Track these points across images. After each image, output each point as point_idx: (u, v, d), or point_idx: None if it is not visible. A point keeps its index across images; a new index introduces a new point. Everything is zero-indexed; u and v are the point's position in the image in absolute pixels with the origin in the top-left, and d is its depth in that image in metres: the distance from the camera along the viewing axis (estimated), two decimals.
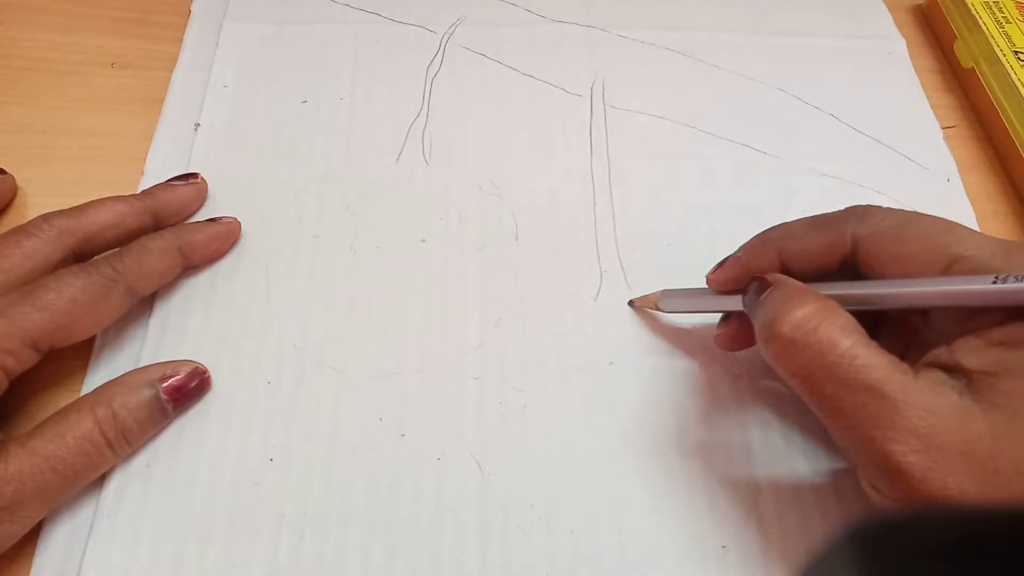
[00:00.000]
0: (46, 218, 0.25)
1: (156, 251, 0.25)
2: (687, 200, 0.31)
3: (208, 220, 0.28)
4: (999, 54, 0.35)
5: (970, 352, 0.20)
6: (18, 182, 0.29)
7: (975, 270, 0.20)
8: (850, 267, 0.23)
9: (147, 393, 0.24)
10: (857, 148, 0.34)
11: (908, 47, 0.38)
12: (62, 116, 0.32)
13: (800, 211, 0.25)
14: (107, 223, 0.26)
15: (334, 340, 0.27)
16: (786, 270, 0.23)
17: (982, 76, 0.36)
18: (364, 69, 0.34)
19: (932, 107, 0.36)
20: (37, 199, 0.30)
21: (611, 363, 0.27)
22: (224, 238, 0.28)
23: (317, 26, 0.35)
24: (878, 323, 0.24)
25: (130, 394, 0.23)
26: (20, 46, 0.33)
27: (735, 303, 0.24)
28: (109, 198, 0.26)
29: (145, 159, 0.30)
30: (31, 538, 0.22)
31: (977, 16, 0.36)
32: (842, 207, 0.24)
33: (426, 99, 0.33)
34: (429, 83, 0.34)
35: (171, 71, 0.33)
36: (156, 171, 0.30)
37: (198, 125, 0.32)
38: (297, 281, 0.28)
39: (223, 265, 0.28)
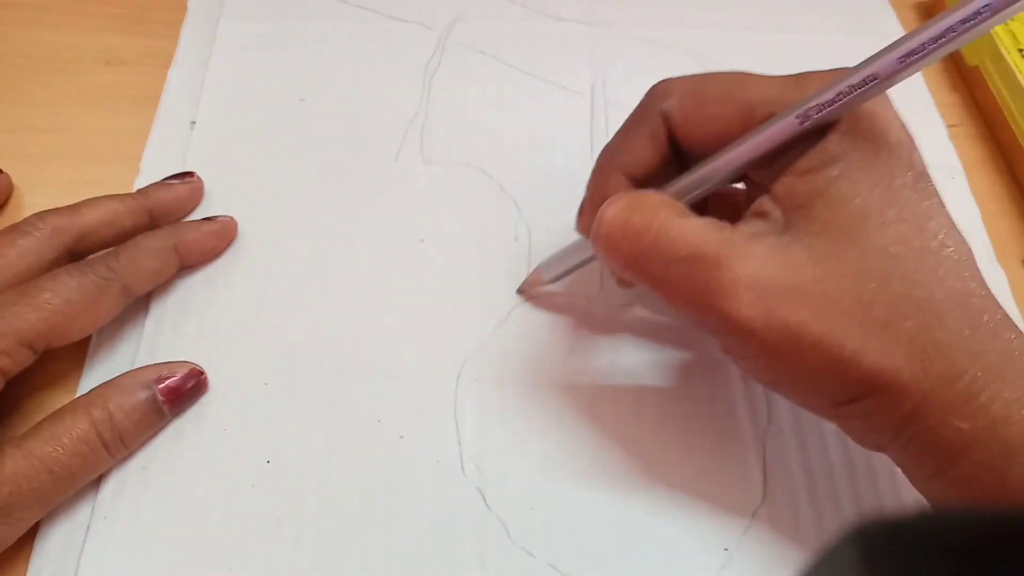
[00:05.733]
0: (40, 216, 0.25)
1: (151, 249, 0.25)
2: None
3: (204, 219, 0.28)
4: (1004, 52, 0.35)
5: (783, 189, 0.19)
6: (13, 181, 0.29)
7: (771, 110, 0.20)
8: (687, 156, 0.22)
9: (143, 395, 0.23)
10: None
11: None
12: (57, 114, 0.31)
13: None
14: (101, 221, 0.26)
15: (332, 340, 0.27)
16: (638, 185, 0.23)
17: (987, 74, 0.35)
18: (362, 67, 0.34)
19: (937, 105, 0.35)
20: (32, 198, 0.29)
21: (612, 363, 0.27)
22: (220, 236, 0.28)
23: (314, 23, 0.35)
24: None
25: (126, 395, 0.23)
26: (15, 44, 0.33)
27: None
28: (104, 196, 0.26)
29: (141, 157, 0.30)
30: (27, 540, 0.22)
31: None
32: None
33: (425, 97, 0.33)
34: (428, 81, 0.34)
35: (167, 68, 0.33)
36: (152, 169, 0.30)
37: (194, 123, 0.31)
38: (295, 281, 0.28)
39: (220, 265, 0.28)
